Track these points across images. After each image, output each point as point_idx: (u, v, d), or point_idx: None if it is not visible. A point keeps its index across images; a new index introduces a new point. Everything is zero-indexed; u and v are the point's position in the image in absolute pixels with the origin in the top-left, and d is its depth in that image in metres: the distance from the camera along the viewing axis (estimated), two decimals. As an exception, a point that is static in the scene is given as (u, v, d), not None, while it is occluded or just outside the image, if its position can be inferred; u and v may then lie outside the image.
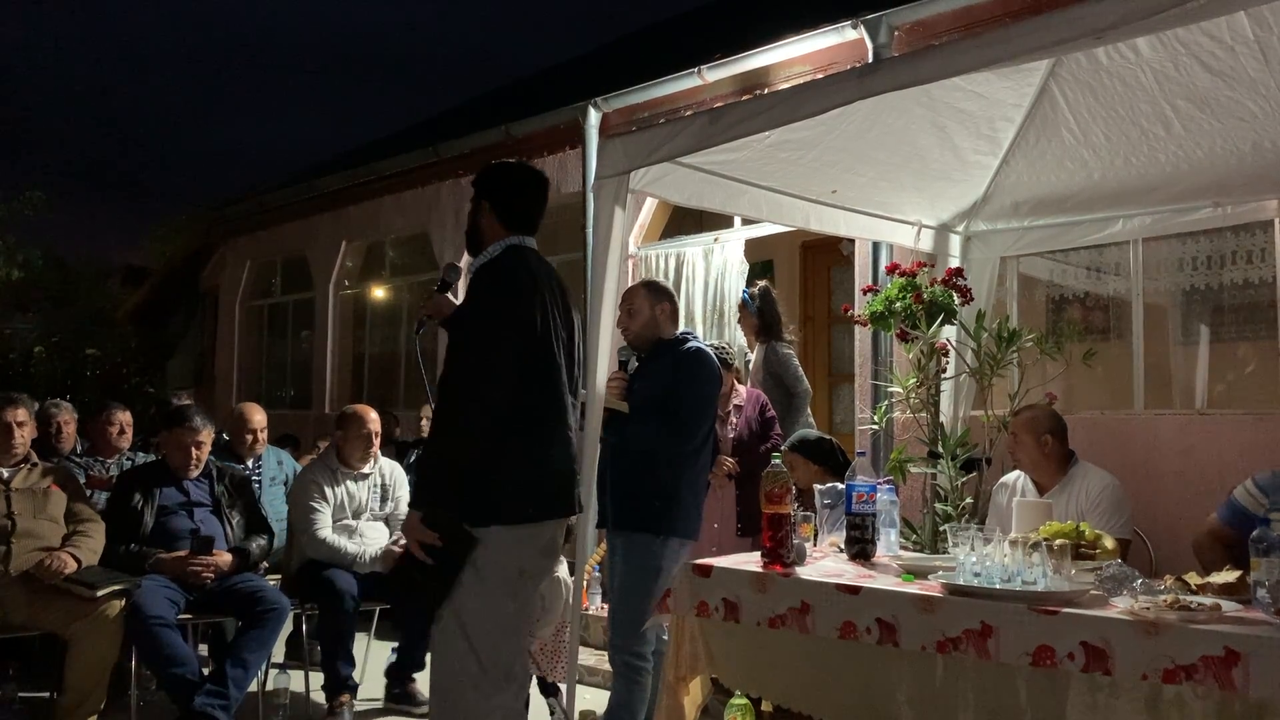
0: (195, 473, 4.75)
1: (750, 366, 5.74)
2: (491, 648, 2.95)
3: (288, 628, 4.96)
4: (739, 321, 5.80)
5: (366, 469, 5.09)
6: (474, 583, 2.92)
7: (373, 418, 5.08)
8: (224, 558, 4.54)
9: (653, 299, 3.99)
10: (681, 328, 4.22)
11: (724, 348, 5.15)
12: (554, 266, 3.29)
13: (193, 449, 4.72)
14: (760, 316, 5.55)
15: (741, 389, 5.19)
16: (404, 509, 5.16)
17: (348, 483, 5.02)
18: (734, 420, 5.04)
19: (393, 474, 5.20)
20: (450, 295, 3.33)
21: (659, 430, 3.78)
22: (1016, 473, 4.09)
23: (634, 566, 3.83)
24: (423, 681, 4.83)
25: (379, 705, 4.95)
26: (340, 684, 4.59)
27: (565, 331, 3.12)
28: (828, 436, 4.74)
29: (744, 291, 5.81)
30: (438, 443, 2.92)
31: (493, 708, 2.96)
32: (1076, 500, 3.80)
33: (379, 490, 5.12)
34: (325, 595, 4.67)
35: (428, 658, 4.80)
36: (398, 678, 4.88)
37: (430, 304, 3.28)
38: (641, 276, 5.63)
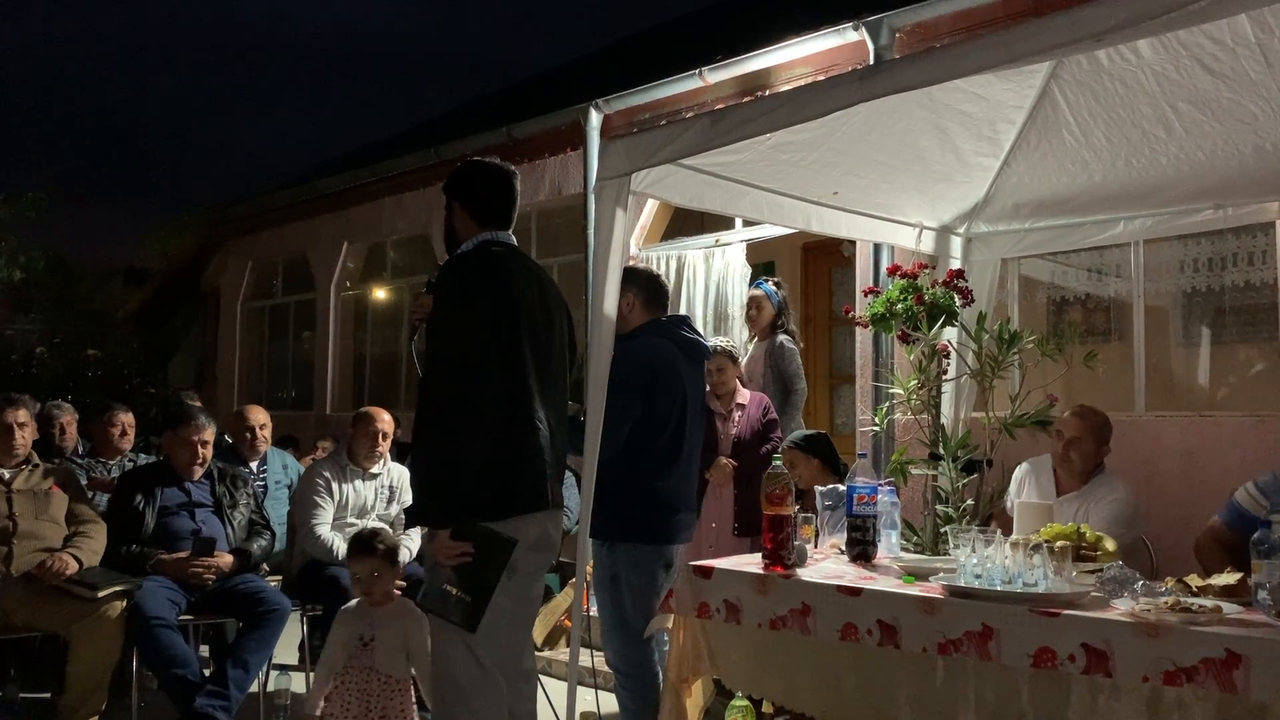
0: (199, 473, 4.75)
1: (747, 362, 5.78)
2: (490, 646, 2.94)
3: (295, 631, 4.97)
4: (752, 314, 5.76)
5: (375, 469, 5.12)
6: None
7: (385, 419, 5.14)
8: (225, 559, 4.55)
9: (618, 291, 3.75)
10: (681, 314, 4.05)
11: (729, 343, 5.18)
12: (534, 260, 3.29)
13: (198, 447, 4.73)
14: (779, 308, 5.63)
15: (745, 391, 5.19)
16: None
17: (355, 481, 5.06)
18: (736, 418, 5.04)
19: (400, 478, 5.23)
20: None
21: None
22: (1024, 469, 4.10)
23: (595, 577, 3.83)
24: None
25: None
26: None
27: (543, 323, 3.09)
28: (821, 431, 4.78)
29: (760, 282, 5.83)
30: (437, 452, 2.87)
31: (498, 706, 2.96)
32: (1090, 509, 3.82)
33: (386, 491, 5.15)
34: (329, 594, 4.66)
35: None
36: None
37: (419, 308, 3.23)
38: (642, 267, 5.56)
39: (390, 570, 3.87)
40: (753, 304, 5.73)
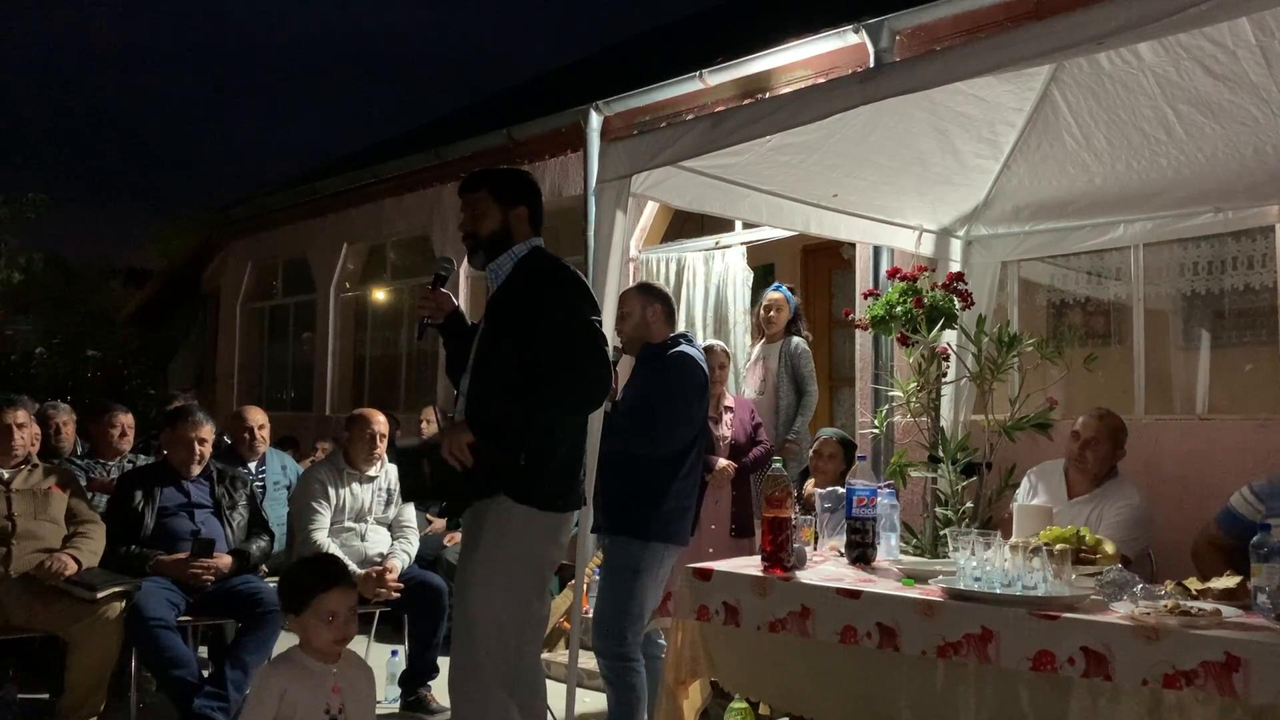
0: (197, 471, 4.74)
1: (751, 364, 5.79)
2: (522, 646, 3.01)
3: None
4: (771, 316, 5.78)
5: (372, 471, 5.10)
6: (514, 574, 2.97)
7: (380, 420, 5.12)
8: (224, 560, 4.54)
9: (644, 300, 4.00)
10: (682, 329, 4.22)
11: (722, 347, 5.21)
12: None
13: (196, 445, 4.72)
14: (795, 312, 5.75)
15: (728, 394, 5.20)
16: (407, 515, 5.17)
17: (353, 484, 5.04)
18: (727, 420, 5.04)
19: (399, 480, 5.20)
20: (445, 290, 3.31)
21: (632, 434, 3.76)
22: (1033, 475, 4.10)
23: (612, 569, 3.86)
24: (436, 689, 4.82)
25: (379, 707, 4.94)
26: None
27: None
28: None
29: (778, 285, 5.93)
30: (513, 415, 2.94)
31: (517, 712, 3.00)
32: (1103, 512, 3.82)
33: (384, 494, 5.13)
34: None
35: (440, 663, 4.81)
36: (410, 685, 4.86)
37: (430, 304, 3.23)
38: (642, 280, 5.69)
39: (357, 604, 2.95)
40: (771, 306, 5.76)
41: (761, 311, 5.85)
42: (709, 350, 5.03)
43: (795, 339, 5.67)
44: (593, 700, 4.25)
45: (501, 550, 2.95)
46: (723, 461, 4.90)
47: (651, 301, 4.01)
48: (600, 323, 3.13)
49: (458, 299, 3.54)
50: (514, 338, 3.01)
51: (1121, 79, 3.76)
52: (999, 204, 4.71)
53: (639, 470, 3.78)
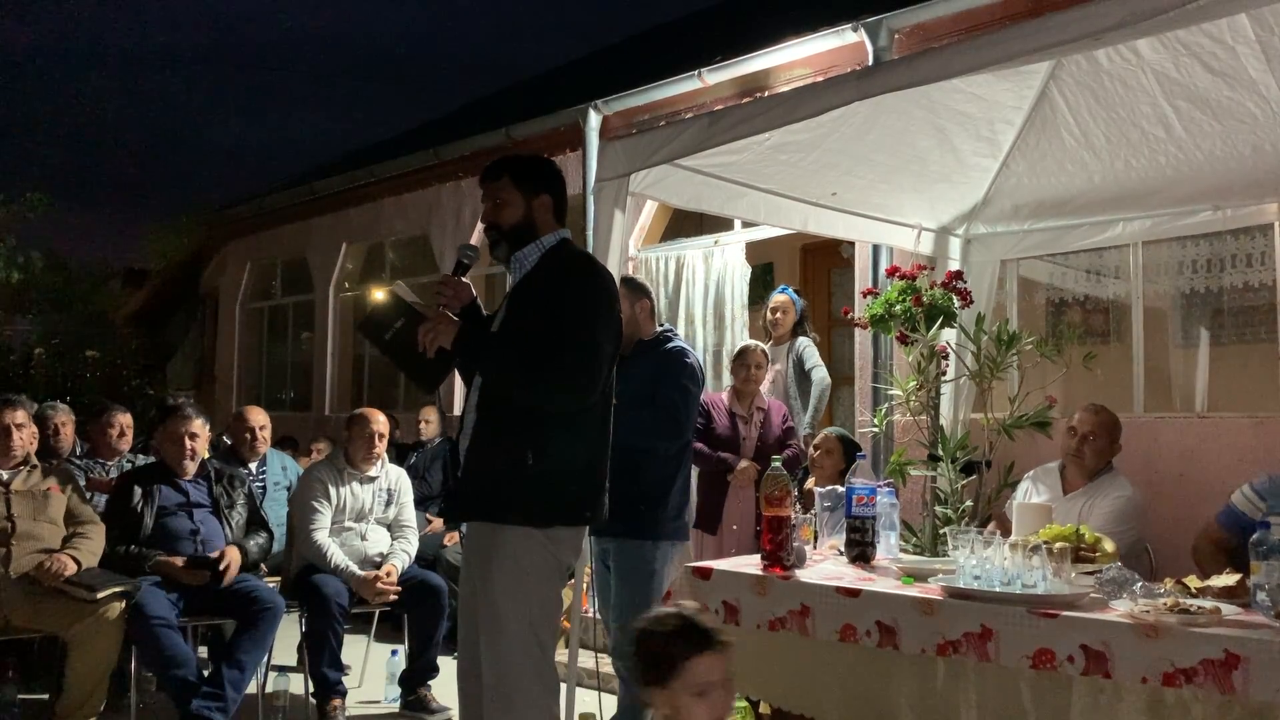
0: (192, 469, 4.72)
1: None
2: (551, 647, 2.98)
3: (294, 633, 4.95)
4: (778, 318, 5.79)
5: (373, 472, 5.09)
6: (539, 582, 2.92)
7: (380, 420, 5.10)
8: (234, 555, 4.51)
9: (633, 298, 3.96)
10: (677, 327, 4.22)
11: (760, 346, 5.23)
12: None
13: (186, 439, 4.69)
14: (801, 314, 5.78)
15: (764, 396, 5.18)
16: (408, 515, 5.17)
17: (353, 484, 5.03)
18: (757, 421, 5.04)
19: (399, 480, 5.20)
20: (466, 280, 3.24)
21: (650, 429, 3.79)
22: (1028, 479, 4.09)
23: (628, 572, 3.84)
24: (436, 688, 4.83)
25: (379, 707, 4.95)
26: (329, 689, 4.58)
27: None
28: None
29: (784, 287, 5.97)
30: (514, 367, 2.87)
31: (555, 710, 2.99)
32: (1095, 503, 3.82)
33: (384, 494, 5.12)
34: (312, 600, 4.65)
35: (440, 662, 4.83)
36: (410, 685, 4.86)
37: (449, 292, 3.07)
38: (641, 279, 5.69)
39: None
40: (778, 308, 5.77)
41: (768, 314, 5.85)
42: (747, 350, 5.06)
43: (802, 339, 5.68)
44: (592, 700, 4.25)
45: (519, 564, 2.90)
46: (744, 462, 4.89)
47: (640, 298, 4.01)
48: (616, 331, 3.04)
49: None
50: (532, 328, 2.91)
51: (1120, 76, 3.76)
52: (998, 202, 4.71)
53: (645, 471, 3.77)
